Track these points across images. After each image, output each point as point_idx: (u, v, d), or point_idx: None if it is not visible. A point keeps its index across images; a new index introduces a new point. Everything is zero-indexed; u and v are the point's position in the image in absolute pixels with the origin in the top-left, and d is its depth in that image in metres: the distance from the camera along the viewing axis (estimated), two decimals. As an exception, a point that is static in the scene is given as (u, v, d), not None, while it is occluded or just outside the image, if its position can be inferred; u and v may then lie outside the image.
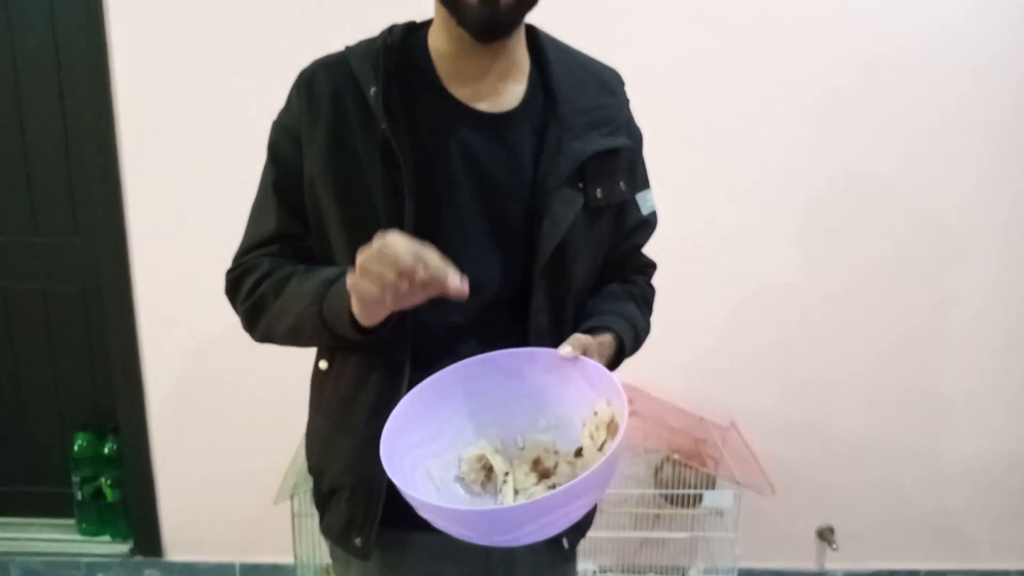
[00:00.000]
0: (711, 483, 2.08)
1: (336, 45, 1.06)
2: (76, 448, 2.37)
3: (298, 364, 1.19)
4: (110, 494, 2.41)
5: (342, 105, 1.00)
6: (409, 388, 0.97)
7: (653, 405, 2.16)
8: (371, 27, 1.05)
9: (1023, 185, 2.18)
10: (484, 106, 1.03)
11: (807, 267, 2.22)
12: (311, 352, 1.10)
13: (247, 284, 1.04)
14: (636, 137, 1.14)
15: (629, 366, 1.12)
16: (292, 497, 1.91)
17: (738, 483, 2.00)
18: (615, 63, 1.14)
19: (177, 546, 2.40)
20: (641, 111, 1.16)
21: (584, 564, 2.23)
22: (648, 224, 1.19)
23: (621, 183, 1.10)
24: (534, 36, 1.09)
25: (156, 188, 2.15)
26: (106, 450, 2.39)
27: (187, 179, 2.13)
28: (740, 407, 2.28)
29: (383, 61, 1.00)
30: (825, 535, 2.37)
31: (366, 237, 0.86)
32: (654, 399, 2.16)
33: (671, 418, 2.16)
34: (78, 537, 2.47)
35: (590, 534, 1.21)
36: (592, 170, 1.05)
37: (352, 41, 1.05)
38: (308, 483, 1.37)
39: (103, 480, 2.40)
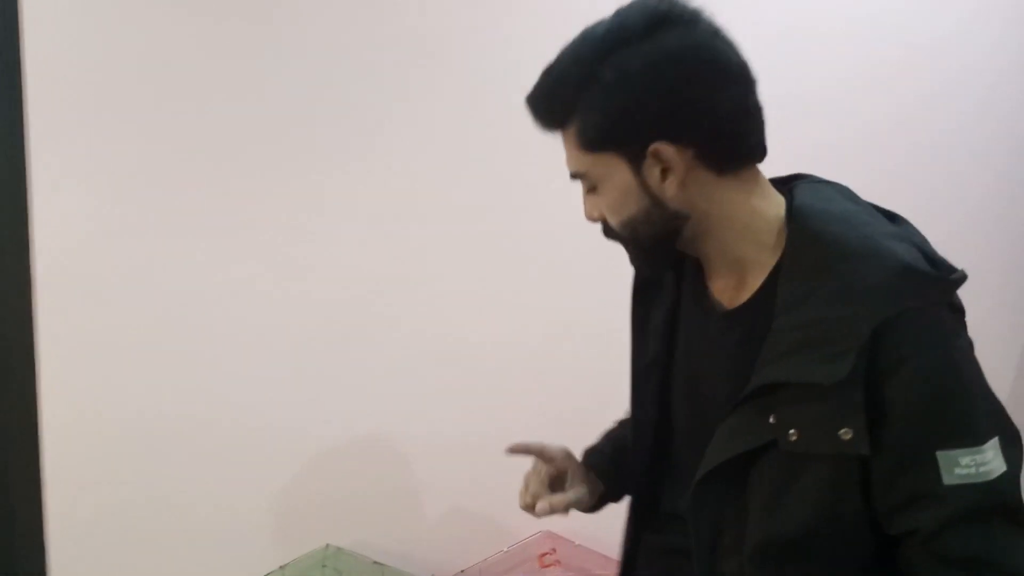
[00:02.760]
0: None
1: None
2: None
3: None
4: None
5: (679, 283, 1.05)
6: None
7: (578, 553, 2.10)
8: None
9: None
10: (724, 299, 0.95)
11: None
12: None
13: None
14: (892, 368, 0.78)
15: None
16: None
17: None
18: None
19: None
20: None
21: None
22: (943, 500, 0.77)
23: (845, 430, 0.78)
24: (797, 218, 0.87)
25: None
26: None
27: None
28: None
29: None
30: None
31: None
32: (578, 547, 2.10)
33: (595, 566, 2.09)
34: None
35: None
36: (787, 402, 0.81)
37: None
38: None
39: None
